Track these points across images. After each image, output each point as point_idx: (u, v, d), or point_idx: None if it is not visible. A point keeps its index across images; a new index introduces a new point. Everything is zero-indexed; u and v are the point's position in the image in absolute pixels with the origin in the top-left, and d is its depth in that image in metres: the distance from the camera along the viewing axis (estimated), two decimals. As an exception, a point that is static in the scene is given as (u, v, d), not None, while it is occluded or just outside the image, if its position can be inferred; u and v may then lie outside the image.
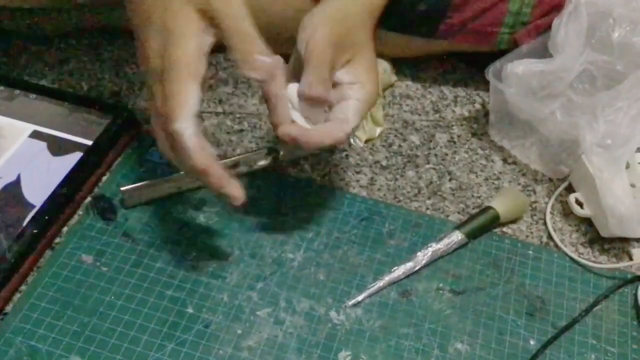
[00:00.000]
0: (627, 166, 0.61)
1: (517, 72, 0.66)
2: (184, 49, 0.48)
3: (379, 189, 0.65)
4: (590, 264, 0.60)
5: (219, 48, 0.50)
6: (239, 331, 0.53)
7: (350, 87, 0.55)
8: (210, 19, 0.49)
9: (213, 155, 0.50)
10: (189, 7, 0.48)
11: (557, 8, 0.68)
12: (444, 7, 0.69)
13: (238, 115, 0.71)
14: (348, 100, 0.55)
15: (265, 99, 0.52)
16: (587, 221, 0.64)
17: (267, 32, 0.52)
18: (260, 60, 0.49)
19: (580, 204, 0.63)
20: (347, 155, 0.68)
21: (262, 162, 0.64)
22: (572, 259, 0.61)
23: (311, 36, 0.53)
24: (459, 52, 0.75)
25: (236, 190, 0.50)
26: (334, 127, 0.53)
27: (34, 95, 0.67)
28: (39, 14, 0.73)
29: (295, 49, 0.54)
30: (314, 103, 0.53)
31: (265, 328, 0.54)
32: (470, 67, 0.78)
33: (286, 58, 0.55)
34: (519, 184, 0.67)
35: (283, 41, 0.56)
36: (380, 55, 0.74)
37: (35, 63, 0.73)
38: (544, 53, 0.67)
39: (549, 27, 0.67)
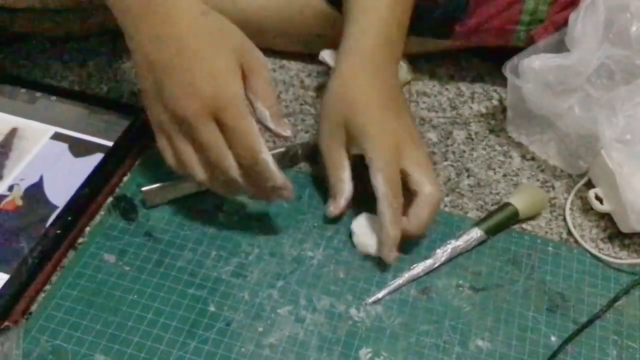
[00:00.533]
0: (647, 161, 0.61)
1: (533, 67, 0.65)
2: (239, 87, 0.52)
3: (397, 187, 0.65)
4: (611, 259, 0.60)
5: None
6: (261, 329, 0.54)
7: (370, 170, 0.57)
8: (245, 74, 0.53)
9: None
10: (233, 57, 0.53)
11: (575, 3, 0.68)
12: (460, 11, 0.69)
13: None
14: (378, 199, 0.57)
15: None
16: (607, 217, 0.64)
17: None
18: (287, 122, 0.56)
19: (599, 200, 0.63)
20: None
21: (281, 162, 0.65)
22: (592, 254, 0.61)
23: (325, 151, 0.61)
24: (475, 48, 0.75)
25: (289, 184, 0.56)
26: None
27: (55, 98, 0.68)
28: (56, 16, 0.74)
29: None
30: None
31: (287, 326, 0.54)
32: (487, 62, 0.78)
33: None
34: (537, 180, 0.67)
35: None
36: None
37: (55, 65, 0.74)
38: (561, 48, 0.67)
39: (565, 23, 0.67)
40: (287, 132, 0.55)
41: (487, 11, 0.69)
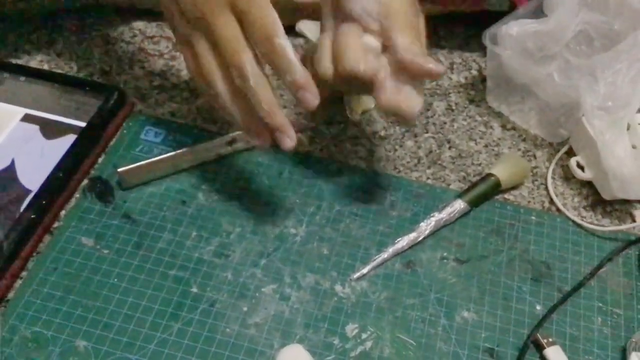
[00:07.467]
0: (628, 128, 0.61)
1: (511, 33, 0.65)
2: None
3: (378, 160, 0.65)
4: (593, 227, 0.60)
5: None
6: (245, 308, 0.53)
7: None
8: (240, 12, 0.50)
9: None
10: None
11: None
12: None
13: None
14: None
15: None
16: (589, 184, 0.63)
17: None
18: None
19: (581, 168, 0.63)
20: (344, 128, 0.67)
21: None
22: (575, 222, 0.61)
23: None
24: (453, 16, 0.74)
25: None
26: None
27: (24, 78, 0.66)
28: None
29: None
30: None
31: (271, 304, 0.53)
32: (466, 32, 0.77)
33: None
34: (519, 149, 0.67)
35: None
36: None
37: (23, 44, 0.72)
38: (539, 16, 0.66)
39: None
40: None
41: None
